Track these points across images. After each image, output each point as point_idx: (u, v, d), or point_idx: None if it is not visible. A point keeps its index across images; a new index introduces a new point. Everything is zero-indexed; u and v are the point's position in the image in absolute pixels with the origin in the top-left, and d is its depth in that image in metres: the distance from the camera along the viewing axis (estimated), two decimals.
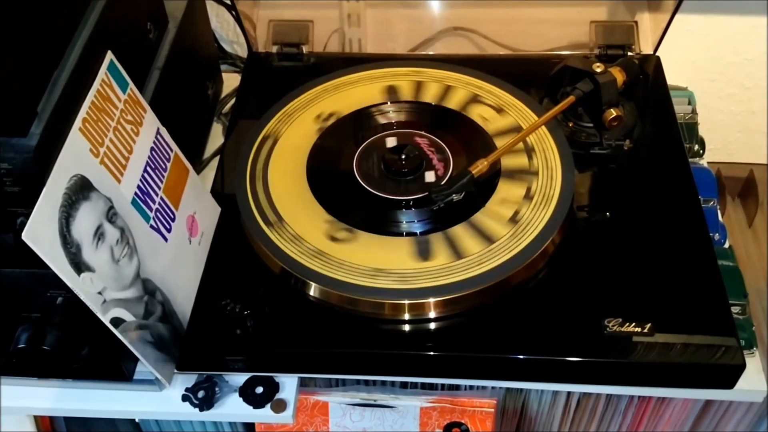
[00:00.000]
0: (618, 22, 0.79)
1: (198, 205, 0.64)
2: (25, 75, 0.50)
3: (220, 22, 0.93)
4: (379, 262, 0.59)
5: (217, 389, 0.61)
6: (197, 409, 0.60)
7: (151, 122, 0.58)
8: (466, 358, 0.58)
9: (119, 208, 0.53)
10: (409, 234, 0.62)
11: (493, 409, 0.69)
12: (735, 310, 0.62)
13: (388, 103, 0.73)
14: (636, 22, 0.79)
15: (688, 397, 0.67)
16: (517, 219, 0.62)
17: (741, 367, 0.55)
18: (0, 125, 0.48)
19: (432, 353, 0.57)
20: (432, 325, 0.58)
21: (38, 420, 0.75)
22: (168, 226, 0.59)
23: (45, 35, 0.52)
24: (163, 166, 0.59)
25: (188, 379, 0.61)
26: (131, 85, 0.56)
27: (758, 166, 0.89)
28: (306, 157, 0.68)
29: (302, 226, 0.62)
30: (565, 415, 0.72)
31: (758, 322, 0.66)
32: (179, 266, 0.60)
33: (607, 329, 0.56)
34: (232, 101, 0.84)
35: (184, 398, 0.61)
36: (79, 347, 0.57)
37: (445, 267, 0.59)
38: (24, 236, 0.44)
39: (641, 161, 0.69)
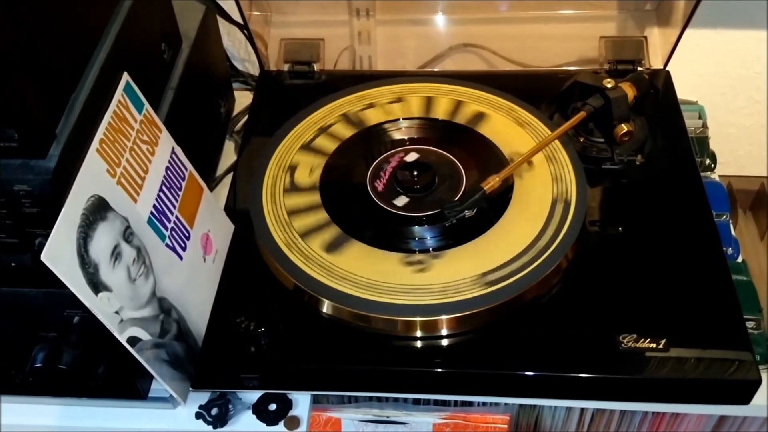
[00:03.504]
0: (628, 37, 0.80)
1: (212, 223, 0.65)
2: (44, 98, 0.50)
3: (232, 41, 0.94)
4: (392, 278, 0.60)
5: (230, 406, 0.61)
6: (211, 427, 0.61)
7: (166, 142, 0.59)
8: (479, 375, 0.58)
9: (135, 228, 0.54)
10: (422, 250, 0.62)
11: (506, 426, 0.69)
12: (750, 324, 0.62)
13: (401, 119, 0.73)
14: (645, 37, 0.79)
15: (703, 412, 0.66)
16: (528, 236, 0.62)
17: (757, 382, 0.55)
18: (20, 148, 0.48)
19: (445, 370, 0.57)
20: (445, 342, 0.58)
21: None
22: (183, 245, 0.60)
23: (63, 59, 0.53)
24: (178, 185, 0.60)
25: (201, 397, 0.62)
26: (147, 105, 0.56)
27: None
28: (319, 173, 0.68)
29: (315, 244, 0.63)
30: (578, 431, 0.72)
31: None
32: (194, 284, 0.61)
33: (622, 345, 0.56)
34: (245, 119, 0.84)
35: (198, 416, 0.61)
36: (95, 366, 0.57)
37: (457, 283, 0.59)
38: (43, 257, 0.44)
39: (653, 176, 0.69)
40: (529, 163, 0.67)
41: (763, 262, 0.78)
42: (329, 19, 0.82)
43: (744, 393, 0.56)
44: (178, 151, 0.60)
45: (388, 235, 0.63)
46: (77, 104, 0.53)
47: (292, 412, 0.62)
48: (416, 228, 0.63)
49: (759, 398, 0.57)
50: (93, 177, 0.49)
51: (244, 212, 0.67)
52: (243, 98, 0.89)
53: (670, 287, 0.60)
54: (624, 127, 0.68)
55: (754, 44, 0.88)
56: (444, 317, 0.58)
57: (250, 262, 0.64)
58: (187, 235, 0.60)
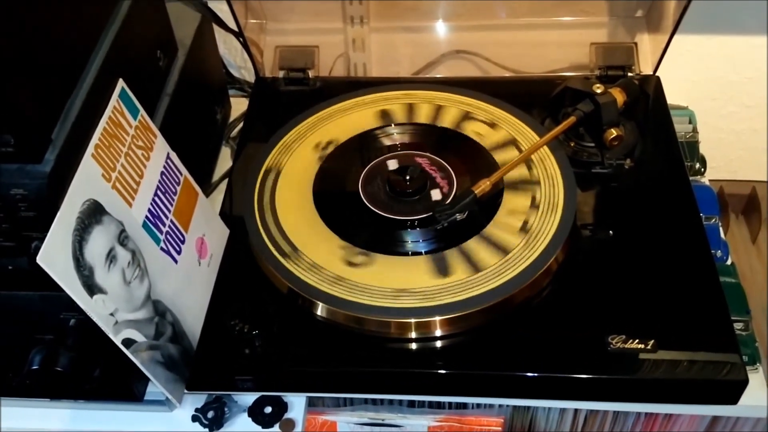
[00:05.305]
0: (618, 43, 0.81)
1: (207, 227, 0.65)
2: (40, 103, 0.51)
3: (228, 48, 0.95)
4: (384, 281, 0.60)
5: (226, 409, 0.62)
6: (207, 429, 0.61)
7: (161, 147, 0.60)
8: (472, 376, 0.58)
9: (131, 231, 0.54)
10: (415, 253, 0.63)
11: (500, 428, 0.69)
12: (737, 326, 0.62)
13: (392, 125, 0.74)
14: (636, 43, 0.80)
15: (693, 413, 0.67)
16: (519, 239, 0.62)
17: (744, 383, 0.56)
18: (16, 152, 0.49)
19: (439, 371, 0.58)
20: (438, 344, 0.59)
21: None
22: (178, 249, 0.60)
23: (59, 64, 0.54)
24: (173, 190, 0.61)
25: (197, 400, 0.62)
26: (142, 111, 0.57)
27: (761, 183, 0.90)
28: (312, 179, 0.69)
29: (309, 247, 0.63)
30: None
31: (762, 337, 0.66)
32: (189, 287, 0.62)
33: (611, 346, 0.57)
34: (240, 125, 0.85)
35: (194, 418, 0.61)
36: (91, 368, 0.58)
37: (449, 285, 0.60)
38: (39, 260, 0.45)
39: (642, 180, 0.70)
40: (520, 168, 0.68)
41: (755, 265, 0.79)
42: (324, 26, 0.83)
43: (732, 393, 0.57)
44: (173, 156, 0.61)
45: (379, 238, 0.64)
46: (73, 110, 0.54)
47: (287, 415, 0.62)
48: (408, 231, 0.64)
49: (747, 399, 0.57)
50: (88, 181, 0.50)
51: (239, 217, 0.68)
52: (239, 105, 0.90)
53: (659, 289, 0.61)
54: (613, 132, 0.68)
55: (744, 50, 0.89)
56: (437, 319, 0.59)
57: (245, 266, 0.65)
58: (182, 239, 0.61)
